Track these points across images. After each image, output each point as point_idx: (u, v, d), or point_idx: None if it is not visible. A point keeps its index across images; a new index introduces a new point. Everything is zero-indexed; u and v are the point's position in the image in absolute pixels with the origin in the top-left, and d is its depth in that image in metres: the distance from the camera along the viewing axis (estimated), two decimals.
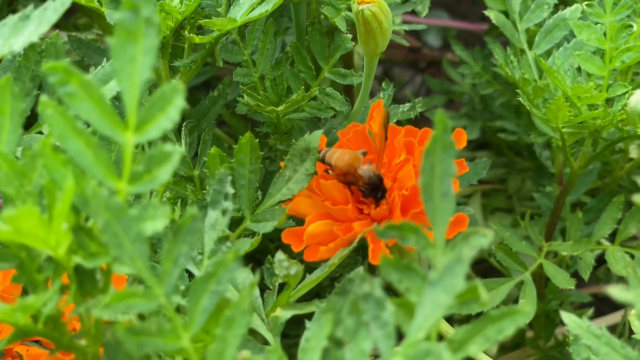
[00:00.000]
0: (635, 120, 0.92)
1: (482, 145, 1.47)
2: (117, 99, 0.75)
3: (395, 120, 0.96)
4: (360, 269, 0.70)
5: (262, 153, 0.82)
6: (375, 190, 0.82)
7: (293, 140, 0.93)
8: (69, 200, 0.58)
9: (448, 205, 0.57)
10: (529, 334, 1.26)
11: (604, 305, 1.34)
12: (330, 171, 0.84)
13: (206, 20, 0.84)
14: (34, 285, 0.62)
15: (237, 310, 0.57)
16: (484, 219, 1.35)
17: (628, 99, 0.94)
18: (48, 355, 0.73)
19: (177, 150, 0.55)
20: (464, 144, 0.86)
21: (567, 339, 1.20)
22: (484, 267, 1.32)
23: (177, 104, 0.55)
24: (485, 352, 1.27)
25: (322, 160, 0.83)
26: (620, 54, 0.95)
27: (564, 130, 0.95)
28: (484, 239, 0.57)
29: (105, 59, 0.78)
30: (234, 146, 0.84)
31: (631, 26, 0.95)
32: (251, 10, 0.85)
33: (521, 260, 1.06)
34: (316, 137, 0.81)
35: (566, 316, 0.68)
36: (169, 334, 0.55)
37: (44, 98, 0.57)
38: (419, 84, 1.73)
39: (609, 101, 0.99)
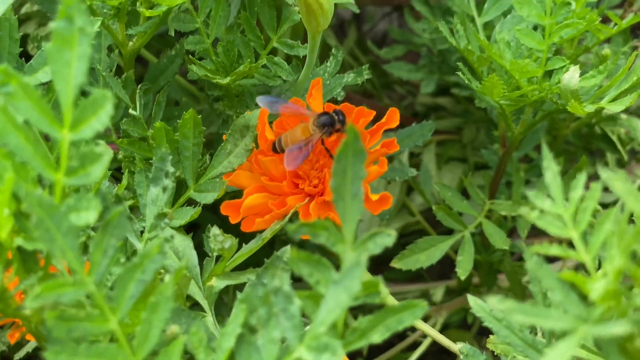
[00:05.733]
0: (568, 95, 0.96)
1: (443, 91, 1.51)
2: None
3: (341, 88, 1.00)
4: (288, 248, 0.76)
5: (203, 128, 0.87)
6: (327, 125, 0.88)
7: (243, 107, 0.98)
8: (9, 190, 0.63)
9: (357, 205, 0.62)
10: (475, 280, 1.32)
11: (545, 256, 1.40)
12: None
13: None
14: None
15: (162, 296, 0.62)
16: (438, 169, 1.40)
17: (565, 73, 0.99)
18: None
19: (107, 152, 0.60)
20: (397, 123, 0.90)
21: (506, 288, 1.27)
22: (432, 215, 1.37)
23: (108, 110, 0.60)
24: (433, 294, 1.34)
25: (281, 150, 0.88)
26: (559, 30, 0.99)
27: (502, 102, 1.00)
28: (389, 238, 0.62)
29: None
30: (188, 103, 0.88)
31: (570, 3, 0.98)
32: None
33: (461, 219, 1.12)
34: (255, 116, 0.86)
35: (471, 300, 0.74)
36: (97, 319, 0.61)
37: None
38: (396, 19, 1.75)
39: (549, 73, 1.03)
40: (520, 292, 1.19)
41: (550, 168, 0.59)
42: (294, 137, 0.88)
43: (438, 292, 1.32)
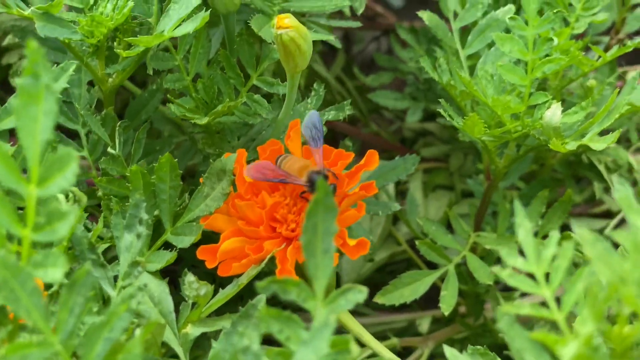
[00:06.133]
0: (550, 132, 0.95)
1: (431, 116, 1.50)
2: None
3: (324, 122, 0.99)
4: (263, 297, 0.75)
5: (180, 172, 0.86)
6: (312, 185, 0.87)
7: (224, 143, 0.97)
8: None
9: (328, 261, 0.62)
10: (462, 309, 1.31)
11: None
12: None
13: (132, 38, 0.87)
14: None
15: (130, 355, 0.61)
16: (425, 197, 1.39)
17: (548, 108, 0.98)
18: None
19: (72, 211, 0.59)
20: (377, 164, 0.89)
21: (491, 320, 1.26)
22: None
23: (73, 168, 0.59)
24: (419, 325, 1.33)
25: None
26: (542, 65, 0.98)
27: (484, 139, 0.99)
28: (360, 294, 0.62)
29: None
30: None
31: (552, 39, 0.98)
32: (179, 25, 0.88)
33: (445, 254, 1.11)
34: (231, 160, 0.85)
35: (447, 350, 0.73)
36: None
37: None
38: (386, 42, 1.74)
39: (532, 108, 1.02)
40: None
41: (523, 225, 0.59)
42: (292, 166, 0.87)
43: (424, 322, 1.31)
